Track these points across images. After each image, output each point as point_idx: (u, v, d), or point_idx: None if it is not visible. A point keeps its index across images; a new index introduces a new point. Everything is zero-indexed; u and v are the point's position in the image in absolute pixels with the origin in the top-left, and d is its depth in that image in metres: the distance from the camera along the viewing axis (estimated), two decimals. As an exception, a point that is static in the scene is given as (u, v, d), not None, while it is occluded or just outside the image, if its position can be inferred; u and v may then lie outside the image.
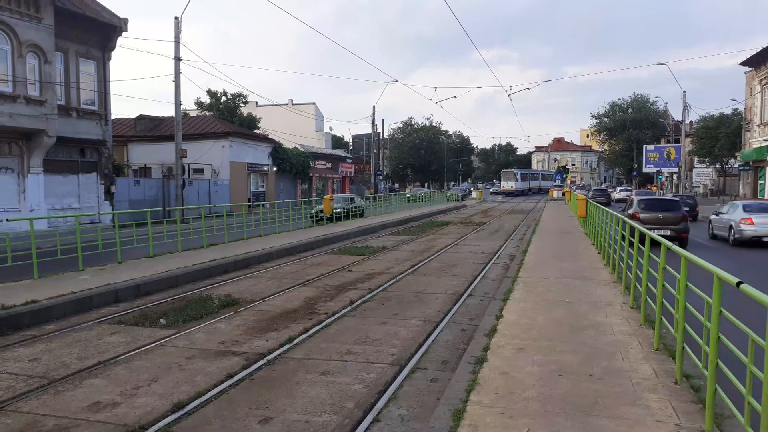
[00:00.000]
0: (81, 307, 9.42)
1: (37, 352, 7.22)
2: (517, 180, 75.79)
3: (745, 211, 18.99)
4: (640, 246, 7.94)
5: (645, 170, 69.12)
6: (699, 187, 67.99)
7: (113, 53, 26.22)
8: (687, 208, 25.58)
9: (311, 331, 8.02)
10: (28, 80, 20.65)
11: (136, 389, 5.89)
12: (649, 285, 7.20)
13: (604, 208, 15.27)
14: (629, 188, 66.23)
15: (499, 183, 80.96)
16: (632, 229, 9.06)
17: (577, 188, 61.57)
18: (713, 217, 21.65)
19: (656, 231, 10.54)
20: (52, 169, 22.83)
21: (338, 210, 27.57)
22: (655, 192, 50.68)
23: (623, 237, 10.01)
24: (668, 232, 15.22)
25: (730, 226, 19.22)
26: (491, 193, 78.68)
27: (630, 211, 18.51)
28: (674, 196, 33.60)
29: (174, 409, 5.34)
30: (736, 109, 55.08)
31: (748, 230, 18.23)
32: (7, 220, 14.46)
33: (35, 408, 5.45)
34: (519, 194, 73.78)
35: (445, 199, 55.79)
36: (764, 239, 18.10)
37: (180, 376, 6.26)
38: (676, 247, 6.07)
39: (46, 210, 22.04)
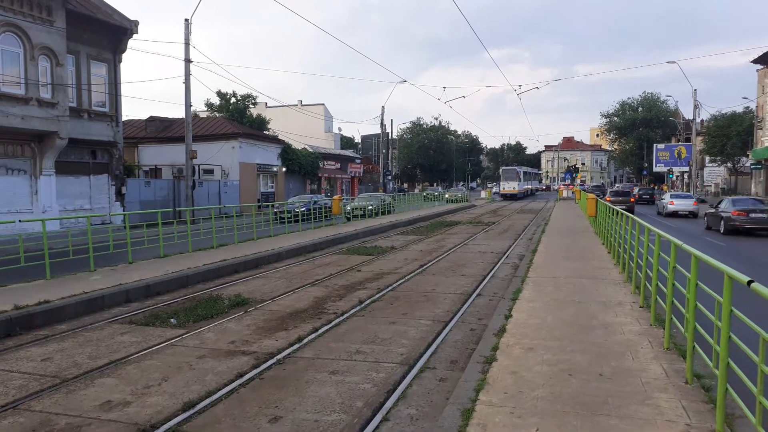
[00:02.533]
0: (92, 307, 9.51)
1: (50, 352, 7.29)
2: (520, 180, 63.64)
3: (671, 197, 34.62)
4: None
5: (655, 169, 68.77)
6: (710, 185, 67.44)
7: (124, 55, 26.44)
8: (647, 196, 49.60)
9: (320, 331, 8.05)
10: (40, 82, 20.85)
11: (147, 388, 5.94)
12: (660, 284, 7.17)
13: (599, 199, 22.91)
14: (619, 185, 79.57)
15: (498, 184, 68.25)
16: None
17: (580, 188, 61.43)
18: (658, 201, 38.43)
19: (617, 206, 16.72)
20: (63, 170, 23.04)
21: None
22: (665, 190, 52.03)
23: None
24: (623, 207, 21.50)
25: (663, 206, 33.98)
26: (446, 200, 54.31)
27: (605, 197, 34.86)
28: (641, 189, 54.30)
29: (184, 408, 5.38)
30: (748, 108, 54.65)
31: (670, 207, 33.00)
32: (20, 221, 14.59)
33: (48, 407, 5.51)
34: (522, 197, 64.18)
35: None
36: (679, 212, 32.67)
37: (190, 376, 6.31)
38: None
39: (58, 211, 22.24)
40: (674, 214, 32.50)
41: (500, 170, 68.90)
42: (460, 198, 54.62)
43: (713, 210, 24.38)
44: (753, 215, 21.97)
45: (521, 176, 64.42)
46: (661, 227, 9.37)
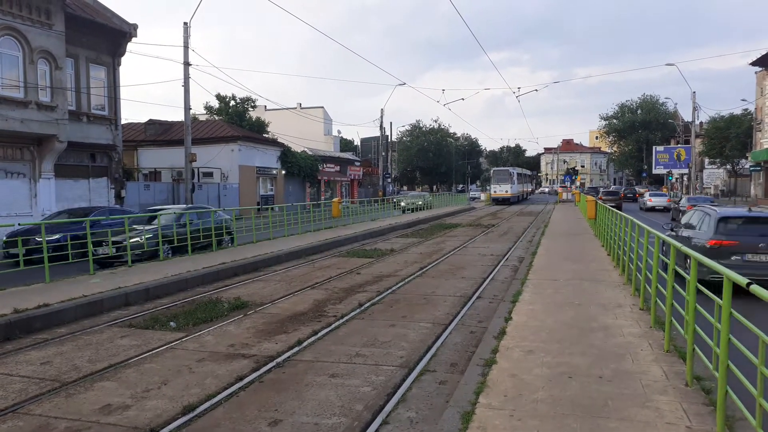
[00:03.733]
0: (92, 311, 9.50)
1: (49, 355, 7.29)
2: (513, 182, 56.78)
3: (649, 195, 43.40)
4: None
5: (655, 171, 68.69)
6: (710, 188, 67.48)
7: (123, 59, 26.44)
8: (631, 195, 60.23)
9: (320, 334, 8.04)
10: (39, 86, 20.84)
11: (147, 392, 5.93)
12: (659, 286, 7.17)
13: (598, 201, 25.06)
14: (610, 186, 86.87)
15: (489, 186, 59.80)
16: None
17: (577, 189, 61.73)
18: (640, 198, 47.95)
19: (608, 204, 21.59)
20: (63, 173, 23.02)
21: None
22: (665, 192, 52.84)
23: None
24: (613, 204, 26.57)
25: (644, 202, 42.55)
26: (402, 209, 41.36)
27: (598, 196, 38.98)
28: (626, 190, 65.16)
29: (184, 411, 5.37)
30: (747, 110, 54.69)
31: (649, 204, 41.30)
32: (19, 224, 14.57)
33: (47, 410, 5.50)
34: (515, 201, 58.25)
35: None
36: (656, 207, 40.49)
37: (190, 379, 6.30)
38: (640, 222, 8.46)
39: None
40: (652, 209, 40.87)
41: (491, 171, 61.99)
42: (423, 205, 42.19)
43: (676, 205, 32.20)
44: None
45: (514, 178, 57.90)
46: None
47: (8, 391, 6.01)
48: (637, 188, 74.19)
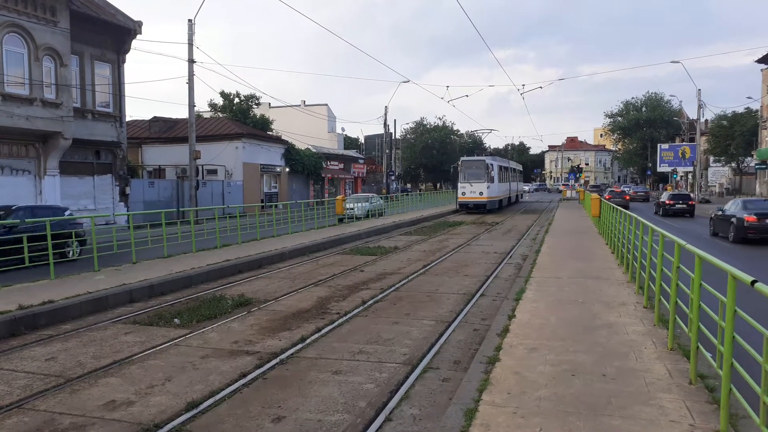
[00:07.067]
0: (97, 307, 9.54)
1: (54, 352, 7.32)
2: (491, 179, 36.13)
3: (623, 187, 63.37)
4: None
5: (659, 169, 68.48)
6: (715, 186, 67.22)
7: (128, 56, 26.49)
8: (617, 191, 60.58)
9: (324, 331, 8.06)
10: (44, 83, 20.89)
11: (151, 388, 5.95)
12: (663, 284, 7.15)
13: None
14: (619, 184, 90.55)
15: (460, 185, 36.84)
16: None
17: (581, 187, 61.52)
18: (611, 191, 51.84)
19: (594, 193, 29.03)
20: (68, 170, 23.09)
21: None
22: (669, 190, 53.29)
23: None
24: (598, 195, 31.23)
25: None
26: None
27: (586, 188, 59.60)
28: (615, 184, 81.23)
29: (188, 407, 5.39)
30: (750, 108, 54.43)
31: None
32: (24, 221, 14.63)
33: (52, 406, 5.53)
34: (495, 207, 37.60)
35: None
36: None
37: (194, 375, 6.32)
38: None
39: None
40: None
41: (460, 161, 38.42)
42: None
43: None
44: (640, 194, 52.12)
45: (493, 173, 36.85)
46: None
47: (13, 387, 6.04)
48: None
